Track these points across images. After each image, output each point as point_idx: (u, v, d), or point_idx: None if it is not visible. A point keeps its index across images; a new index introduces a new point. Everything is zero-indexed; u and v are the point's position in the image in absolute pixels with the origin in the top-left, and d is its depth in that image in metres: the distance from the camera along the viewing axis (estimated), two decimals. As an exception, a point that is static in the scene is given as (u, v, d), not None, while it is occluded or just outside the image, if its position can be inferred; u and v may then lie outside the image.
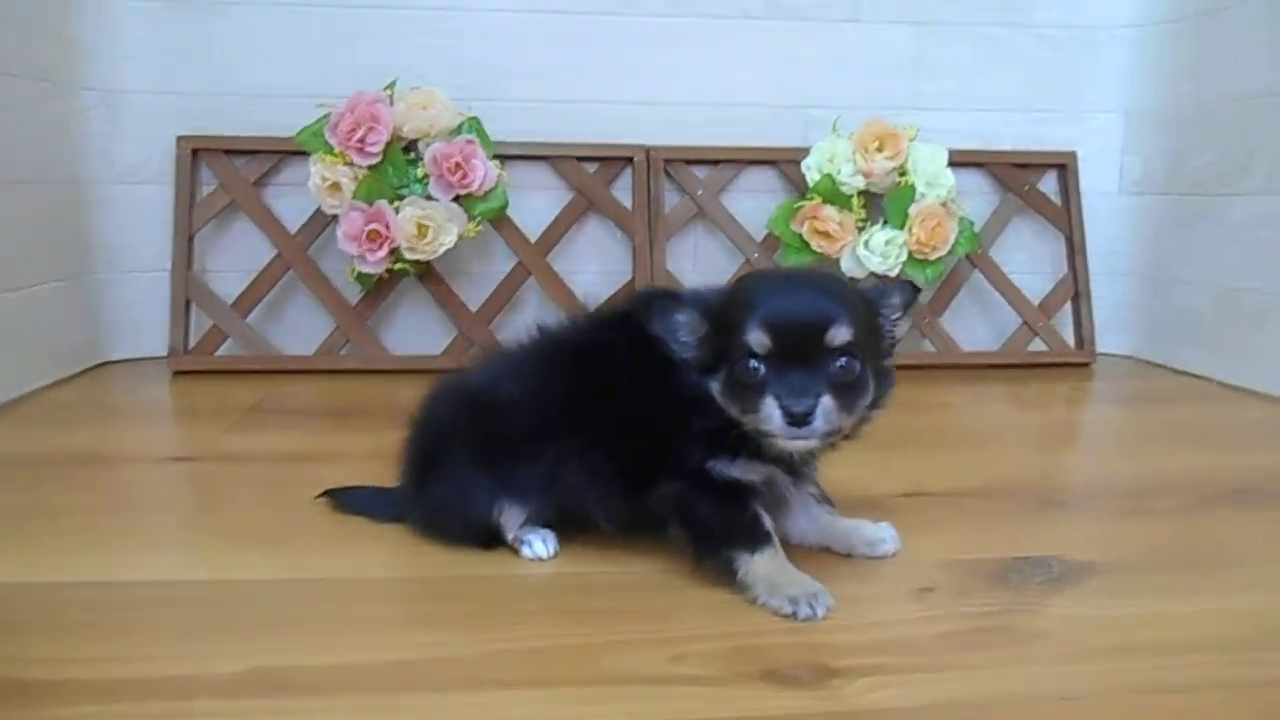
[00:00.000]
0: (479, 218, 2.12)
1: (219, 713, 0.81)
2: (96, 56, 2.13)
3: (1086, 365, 2.32)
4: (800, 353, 0.96)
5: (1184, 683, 0.88)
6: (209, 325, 2.17)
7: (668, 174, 2.28)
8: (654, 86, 2.28)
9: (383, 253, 2.06)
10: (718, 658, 0.90)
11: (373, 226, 2.05)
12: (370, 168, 2.06)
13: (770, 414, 0.95)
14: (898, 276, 2.07)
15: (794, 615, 0.98)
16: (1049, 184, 2.40)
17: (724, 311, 1.00)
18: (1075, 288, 2.36)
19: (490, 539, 1.14)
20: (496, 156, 2.13)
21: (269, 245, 2.19)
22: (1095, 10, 2.36)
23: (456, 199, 2.10)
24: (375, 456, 1.29)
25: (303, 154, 2.11)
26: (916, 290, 1.08)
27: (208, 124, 2.18)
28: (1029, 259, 2.41)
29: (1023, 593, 1.06)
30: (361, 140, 2.03)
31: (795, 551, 1.10)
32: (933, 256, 2.18)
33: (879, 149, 2.15)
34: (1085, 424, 2.03)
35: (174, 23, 2.16)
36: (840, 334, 0.96)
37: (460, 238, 2.09)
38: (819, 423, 0.95)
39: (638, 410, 1.05)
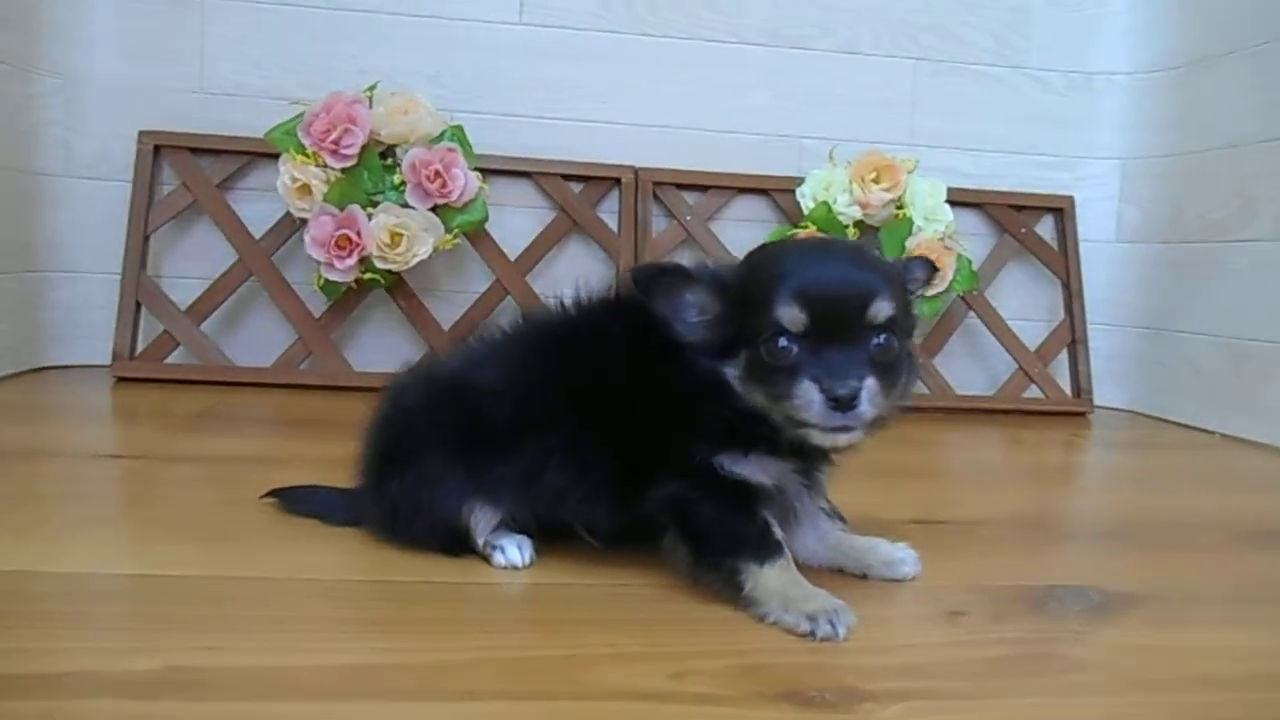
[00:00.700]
0: (456, 230, 2.00)
1: (121, 713, 0.66)
2: (60, 40, 2.01)
3: (1083, 415, 2.23)
4: (840, 330, 0.84)
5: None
6: (159, 331, 2.02)
7: (656, 197, 2.19)
8: (647, 107, 2.20)
9: (352, 260, 1.93)
10: (727, 676, 0.77)
11: (343, 232, 1.92)
12: (344, 170, 1.95)
13: (809, 399, 0.83)
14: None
15: (811, 634, 0.85)
16: (1046, 228, 2.34)
17: (744, 287, 0.88)
18: (1072, 335, 2.28)
19: (458, 544, 0.99)
20: (478, 169, 2.02)
21: (230, 250, 2.05)
22: (1093, 57, 2.33)
23: (434, 209, 1.98)
24: (332, 462, 1.13)
25: (273, 157, 1.99)
26: (934, 268, 0.98)
27: (174, 121, 2.06)
28: (1024, 303, 2.33)
29: (1064, 620, 0.94)
30: (336, 142, 1.92)
31: (804, 572, 0.97)
32: (931, 294, 2.09)
33: (875, 180, 2.08)
34: (1090, 465, 1.92)
35: (145, 13, 2.05)
36: (883, 309, 0.85)
37: (435, 250, 1.97)
38: (864, 407, 0.83)
39: (633, 400, 0.93)
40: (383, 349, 2.13)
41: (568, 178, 2.16)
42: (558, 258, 2.18)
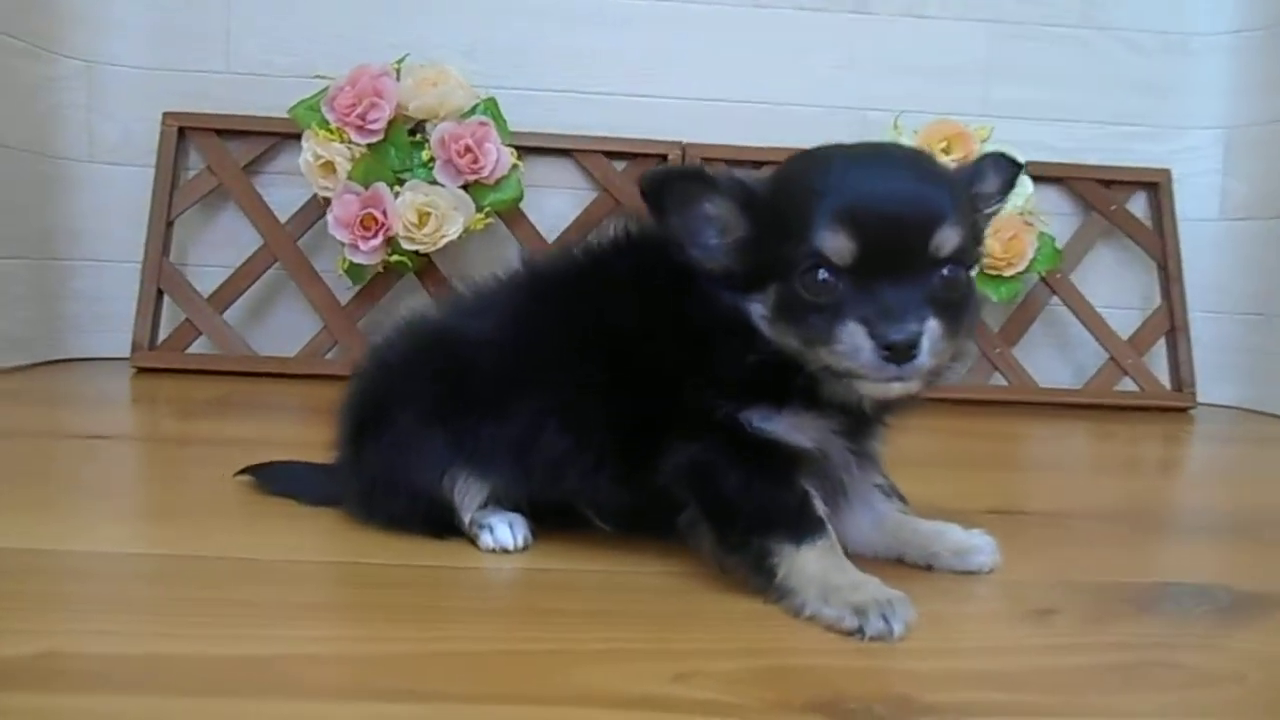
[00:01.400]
0: (488, 209, 1.87)
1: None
2: (83, 23, 1.94)
3: (1185, 410, 1.99)
4: (896, 261, 0.68)
5: None
6: (181, 320, 1.92)
7: (705, 175, 2.03)
8: (695, 79, 2.05)
9: (377, 241, 1.81)
10: (740, 680, 0.60)
11: (368, 211, 1.80)
12: (369, 147, 1.83)
13: (856, 345, 0.66)
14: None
15: (859, 631, 0.67)
16: (1138, 205, 2.11)
17: (777, 202, 0.72)
18: (1171, 322, 2.04)
19: (442, 522, 0.84)
20: (514, 147, 1.89)
21: (256, 236, 1.95)
22: (1190, 15, 2.10)
23: (465, 187, 1.86)
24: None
25: (300, 138, 1.88)
26: (1018, 166, 0.79)
27: (200, 103, 1.97)
28: (1116, 288, 2.11)
29: (1185, 624, 0.74)
30: (362, 116, 1.81)
31: (855, 561, 0.79)
32: (1008, 273, 1.89)
33: (946, 150, 1.89)
34: (1194, 459, 1.69)
35: (168, -9, 1.98)
36: (950, 237, 0.68)
37: (466, 230, 1.84)
38: (924, 358, 0.66)
39: (643, 344, 0.77)
40: (413, 339, 1.99)
41: (610, 155, 2.02)
42: (599, 240, 2.03)
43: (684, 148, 2.02)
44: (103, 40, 1.96)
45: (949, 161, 1.85)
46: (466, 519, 0.84)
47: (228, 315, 1.94)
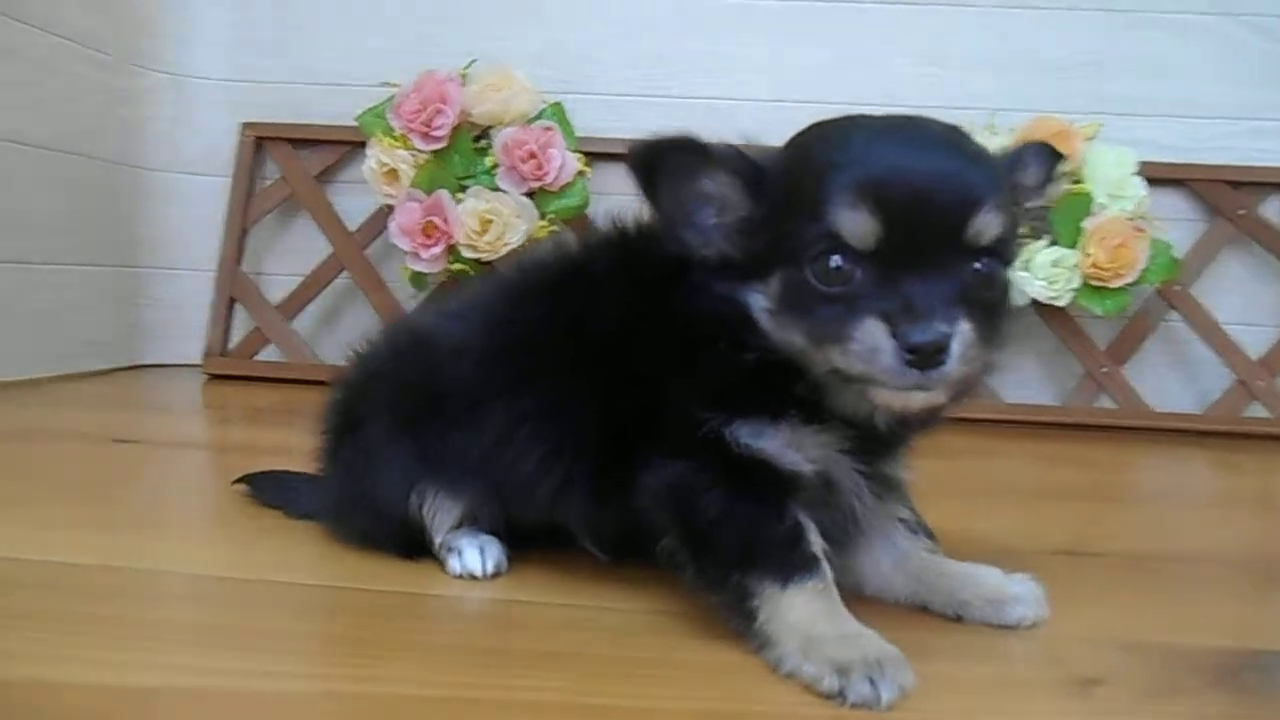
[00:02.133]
0: (553, 216, 1.81)
1: None
2: (166, 37, 1.99)
3: (1325, 440, 1.76)
4: (925, 248, 0.57)
5: None
6: (252, 328, 1.94)
7: (784, 181, 1.92)
8: (771, 80, 1.94)
9: (438, 249, 1.77)
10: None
11: (429, 219, 1.77)
12: (434, 153, 1.80)
13: (874, 345, 0.56)
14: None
15: (840, 695, 0.56)
16: (1273, 209, 1.89)
17: (787, 177, 0.62)
18: (1310, 341, 1.82)
19: (414, 542, 0.77)
20: (580, 152, 1.83)
21: (326, 245, 1.95)
22: (1335, -3, 1.88)
23: (529, 194, 1.80)
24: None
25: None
26: (1057, 156, 0.67)
27: (278, 114, 1.99)
28: (1243, 302, 1.89)
29: (1262, 703, 0.60)
30: (426, 123, 1.78)
31: (871, 607, 0.68)
32: (1114, 284, 1.71)
33: (1046, 150, 1.73)
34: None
35: (249, 4, 2.00)
36: (990, 223, 0.58)
37: (529, 238, 1.79)
38: (952, 364, 0.56)
39: (624, 346, 0.68)
40: (478, 349, 1.96)
41: (682, 161, 1.93)
42: (670, 251, 1.95)
43: (760, 152, 1.91)
44: (185, 52, 2.00)
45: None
46: (437, 540, 0.77)
47: (296, 323, 1.94)
